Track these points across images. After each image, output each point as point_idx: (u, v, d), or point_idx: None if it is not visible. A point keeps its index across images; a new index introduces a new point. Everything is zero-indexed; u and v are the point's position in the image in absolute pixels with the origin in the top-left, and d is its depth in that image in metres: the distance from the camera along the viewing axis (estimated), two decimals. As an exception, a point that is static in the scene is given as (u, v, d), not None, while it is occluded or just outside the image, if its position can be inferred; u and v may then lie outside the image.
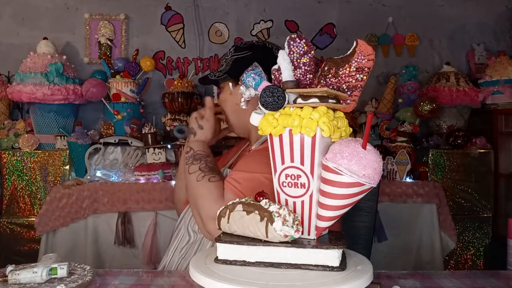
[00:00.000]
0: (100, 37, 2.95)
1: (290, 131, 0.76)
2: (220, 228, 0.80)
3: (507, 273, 0.97)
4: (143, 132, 2.40)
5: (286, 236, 0.73)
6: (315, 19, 3.09)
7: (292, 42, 0.80)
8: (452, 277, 0.90)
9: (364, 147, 0.72)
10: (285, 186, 0.79)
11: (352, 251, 0.85)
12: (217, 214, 0.80)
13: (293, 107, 0.76)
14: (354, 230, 1.31)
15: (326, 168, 0.73)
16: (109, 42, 2.97)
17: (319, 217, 0.77)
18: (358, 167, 0.70)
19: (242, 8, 3.07)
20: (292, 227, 0.73)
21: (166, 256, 1.19)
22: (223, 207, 0.80)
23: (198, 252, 1.10)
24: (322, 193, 0.74)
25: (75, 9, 2.99)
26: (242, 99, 0.85)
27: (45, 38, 2.70)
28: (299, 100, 0.76)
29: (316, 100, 0.75)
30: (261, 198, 0.76)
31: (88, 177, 2.32)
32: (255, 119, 0.81)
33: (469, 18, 3.14)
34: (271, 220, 0.72)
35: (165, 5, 3.03)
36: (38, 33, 2.78)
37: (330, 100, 0.76)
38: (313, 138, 0.74)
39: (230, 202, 0.79)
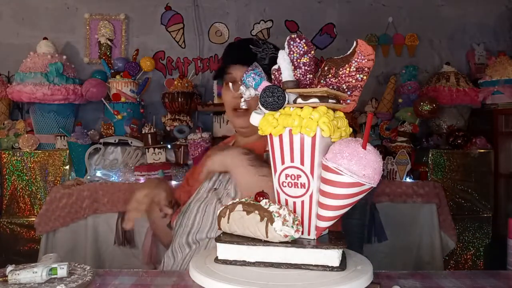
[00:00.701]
0: (100, 37, 2.95)
1: (290, 131, 0.75)
2: (220, 228, 0.80)
3: (507, 273, 0.97)
4: (143, 132, 2.40)
5: (286, 236, 0.73)
6: (315, 19, 3.09)
7: (292, 42, 0.80)
8: (452, 277, 0.90)
9: (364, 147, 0.72)
10: (285, 186, 0.79)
11: (352, 251, 0.85)
12: (217, 214, 0.80)
13: (293, 107, 0.76)
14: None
15: (326, 168, 0.73)
16: (109, 42, 2.97)
17: (319, 217, 0.76)
18: (358, 167, 0.70)
19: (242, 8, 3.07)
20: (292, 227, 0.73)
21: (168, 261, 1.16)
22: (223, 207, 0.80)
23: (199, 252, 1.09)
24: (322, 193, 0.74)
25: (75, 9, 2.99)
26: (242, 99, 0.85)
27: (45, 38, 2.70)
28: (299, 100, 0.76)
29: (316, 100, 0.74)
30: (261, 198, 0.76)
31: (88, 177, 2.33)
32: (255, 119, 0.81)
33: (469, 18, 3.14)
34: (271, 220, 0.72)
35: (165, 5, 3.03)
36: (38, 33, 2.78)
37: (330, 100, 0.76)
38: (313, 138, 0.74)
39: (230, 202, 0.79)
